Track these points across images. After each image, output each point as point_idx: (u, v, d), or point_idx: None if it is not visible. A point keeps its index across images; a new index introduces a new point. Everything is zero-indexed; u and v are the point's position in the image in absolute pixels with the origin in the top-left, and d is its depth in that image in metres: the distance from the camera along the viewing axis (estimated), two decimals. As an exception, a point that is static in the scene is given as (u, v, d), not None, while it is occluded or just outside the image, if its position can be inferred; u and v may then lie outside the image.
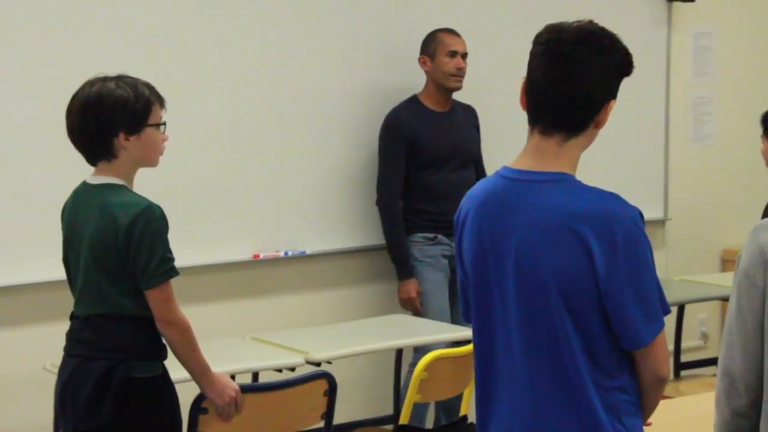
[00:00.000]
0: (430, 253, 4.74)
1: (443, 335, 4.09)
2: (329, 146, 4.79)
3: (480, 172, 4.88)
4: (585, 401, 2.12)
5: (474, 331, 2.28)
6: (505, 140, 5.19)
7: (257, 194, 4.65)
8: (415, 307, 4.71)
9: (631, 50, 2.19)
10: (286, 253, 4.72)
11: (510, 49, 5.16)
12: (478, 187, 2.27)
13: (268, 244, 4.69)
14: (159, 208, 2.88)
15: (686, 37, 5.91)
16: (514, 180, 2.19)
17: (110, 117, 2.83)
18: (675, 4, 5.76)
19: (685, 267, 5.73)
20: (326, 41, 4.75)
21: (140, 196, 2.89)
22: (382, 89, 4.84)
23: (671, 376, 4.64)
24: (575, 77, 2.12)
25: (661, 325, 2.16)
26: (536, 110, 2.18)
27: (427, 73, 4.77)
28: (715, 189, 6.04)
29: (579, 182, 2.17)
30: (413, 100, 4.79)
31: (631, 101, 5.75)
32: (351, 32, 4.80)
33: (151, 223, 2.83)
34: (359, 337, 4.12)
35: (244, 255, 4.64)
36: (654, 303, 2.13)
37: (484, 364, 2.25)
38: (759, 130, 4.24)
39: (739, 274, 2.22)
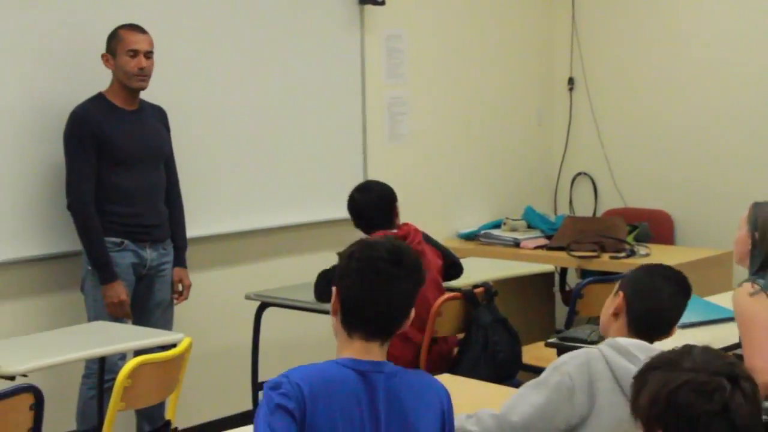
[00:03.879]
0: (115, 260, 4.52)
1: (149, 340, 4.02)
2: (17, 147, 4.59)
3: (171, 174, 4.78)
4: None
5: None
6: (198, 141, 5.20)
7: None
8: (125, 311, 4.52)
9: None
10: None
11: (197, 49, 5.18)
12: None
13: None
14: None
15: (379, 39, 6.10)
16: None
17: None
18: (366, 7, 5.93)
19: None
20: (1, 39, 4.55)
21: None
22: (67, 86, 4.66)
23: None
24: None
25: None
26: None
27: (111, 71, 4.59)
28: (412, 187, 6.22)
29: None
30: (100, 98, 4.58)
31: (330, 103, 5.88)
32: (27, 30, 4.61)
33: None
34: (59, 346, 3.96)
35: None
36: None
37: None
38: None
39: None
